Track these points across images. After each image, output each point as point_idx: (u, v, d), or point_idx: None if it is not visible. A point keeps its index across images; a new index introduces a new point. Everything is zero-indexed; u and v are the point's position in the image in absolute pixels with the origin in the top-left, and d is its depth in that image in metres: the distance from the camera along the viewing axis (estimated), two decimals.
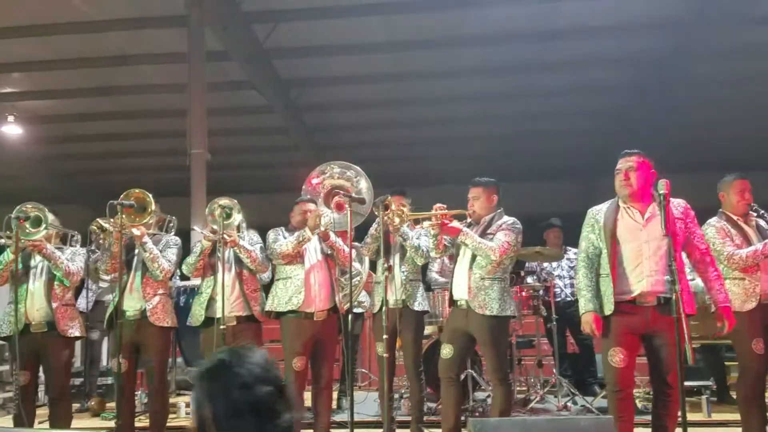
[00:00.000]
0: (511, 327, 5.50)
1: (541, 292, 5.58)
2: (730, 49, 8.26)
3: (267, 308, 4.31)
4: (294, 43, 8.76)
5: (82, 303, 5.92)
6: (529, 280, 5.98)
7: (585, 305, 3.50)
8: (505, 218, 4.10)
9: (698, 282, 3.94)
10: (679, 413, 3.16)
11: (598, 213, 3.62)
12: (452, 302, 4.11)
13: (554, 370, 5.45)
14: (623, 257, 3.45)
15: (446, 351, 4.03)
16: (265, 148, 12.14)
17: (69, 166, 13.02)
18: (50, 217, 4.23)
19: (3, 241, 4.05)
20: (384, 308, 3.83)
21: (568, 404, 5.29)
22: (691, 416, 4.91)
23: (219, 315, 4.05)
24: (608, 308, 3.45)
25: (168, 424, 5.13)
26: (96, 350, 6.16)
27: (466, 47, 8.67)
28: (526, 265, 6.10)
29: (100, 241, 4.67)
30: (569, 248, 5.99)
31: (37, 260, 4.15)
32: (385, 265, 4.13)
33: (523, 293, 5.49)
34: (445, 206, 3.97)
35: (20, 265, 4.03)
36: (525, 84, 9.73)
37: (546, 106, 10.45)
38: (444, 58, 9.01)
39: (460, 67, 9.24)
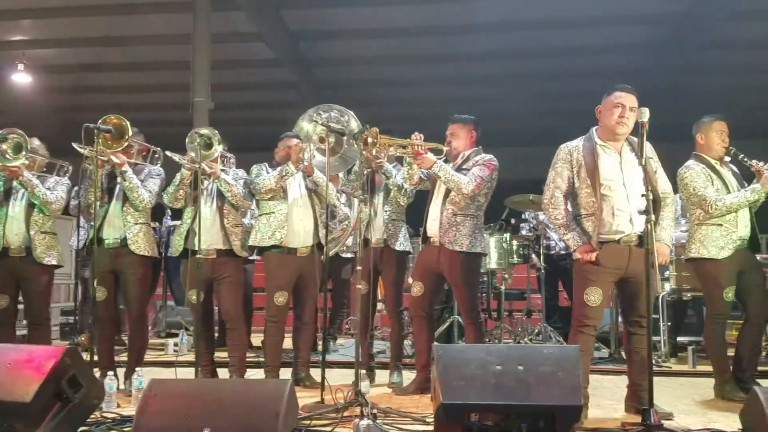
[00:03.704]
0: (499, 277, 5.49)
1: (534, 242, 5.49)
2: (746, 13, 8.06)
3: (250, 243, 4.29)
4: None
5: (74, 240, 5.99)
6: (524, 231, 5.89)
7: (580, 238, 3.38)
8: (483, 155, 4.03)
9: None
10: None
11: (574, 150, 3.46)
12: (425, 239, 4.06)
13: (539, 321, 5.40)
14: (605, 197, 3.35)
15: (417, 289, 4.04)
16: (272, 104, 12.03)
17: (78, 118, 13.02)
18: (35, 143, 4.21)
19: None
20: (358, 242, 3.79)
21: None
22: (677, 367, 4.97)
23: (197, 247, 4.01)
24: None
25: (156, 359, 5.22)
26: (89, 288, 6.19)
27: (482, 1, 8.47)
28: (523, 215, 6.00)
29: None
30: None
31: (17, 185, 4.14)
32: (362, 198, 4.06)
33: (514, 242, 5.41)
34: (422, 136, 3.90)
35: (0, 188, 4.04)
36: (544, 43, 9.49)
37: (565, 66, 10.20)
38: (459, 14, 8.80)
39: (476, 24, 9.02)
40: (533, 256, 5.46)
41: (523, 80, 10.76)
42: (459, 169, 4.01)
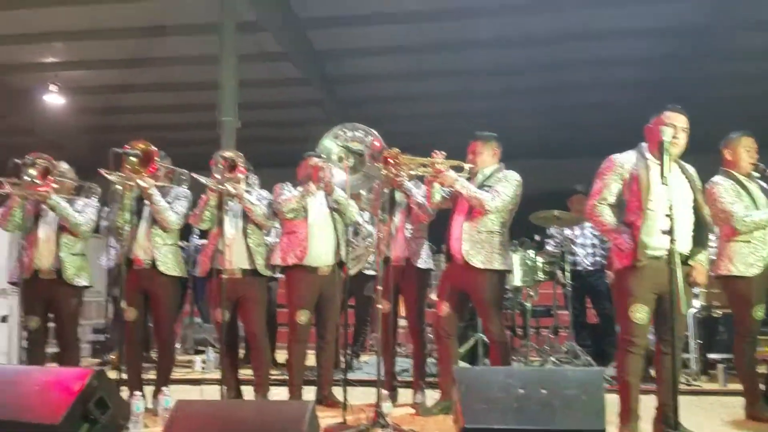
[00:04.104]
0: (525, 293, 5.44)
1: (559, 258, 5.44)
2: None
3: (272, 262, 4.33)
4: (328, 13, 8.71)
5: (104, 259, 6.11)
6: (549, 247, 5.83)
7: (630, 239, 3.29)
8: (505, 171, 4.00)
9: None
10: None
11: (626, 162, 3.40)
12: (448, 257, 4.04)
13: (567, 338, 5.33)
14: (651, 213, 3.27)
15: (444, 308, 4.00)
16: (298, 122, 12.15)
17: (109, 138, 13.25)
18: (63, 167, 4.31)
19: (8, 189, 4.10)
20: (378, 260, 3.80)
21: None
22: (707, 386, 4.87)
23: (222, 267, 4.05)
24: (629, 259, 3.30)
25: (183, 377, 5.28)
26: (121, 307, 6.29)
27: (504, 16, 8.47)
28: (548, 230, 5.94)
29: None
30: None
31: (46, 208, 4.23)
32: (381, 217, 4.06)
33: (539, 258, 5.35)
34: (444, 153, 3.90)
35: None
36: (564, 56, 9.44)
37: (583, 78, 10.14)
38: (482, 27, 8.80)
39: (499, 37, 9.01)
40: (558, 272, 5.40)
41: (546, 93, 10.71)
42: (482, 186, 3.99)
